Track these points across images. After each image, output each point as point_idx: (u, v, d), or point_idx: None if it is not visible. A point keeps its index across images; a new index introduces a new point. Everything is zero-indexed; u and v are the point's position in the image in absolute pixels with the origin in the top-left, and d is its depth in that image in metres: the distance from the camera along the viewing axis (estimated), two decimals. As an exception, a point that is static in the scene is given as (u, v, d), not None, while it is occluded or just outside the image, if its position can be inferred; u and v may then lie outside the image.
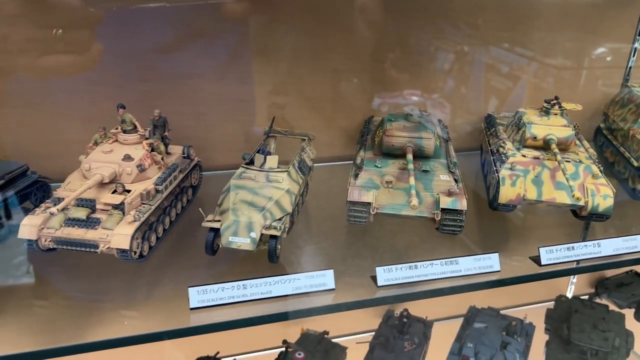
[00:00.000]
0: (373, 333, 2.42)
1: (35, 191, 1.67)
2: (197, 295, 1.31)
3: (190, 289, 1.31)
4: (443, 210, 1.56)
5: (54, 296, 1.45)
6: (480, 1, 2.16)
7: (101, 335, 1.29)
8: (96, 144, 1.64)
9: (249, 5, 1.87)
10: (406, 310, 2.38)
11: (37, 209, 1.45)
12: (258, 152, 1.77)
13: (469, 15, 2.17)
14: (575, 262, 1.57)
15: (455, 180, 1.63)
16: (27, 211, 1.62)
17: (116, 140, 1.62)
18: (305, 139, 1.93)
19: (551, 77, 2.42)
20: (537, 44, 2.32)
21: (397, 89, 2.24)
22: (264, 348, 2.39)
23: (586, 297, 2.74)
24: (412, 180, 1.51)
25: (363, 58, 2.10)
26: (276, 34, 1.95)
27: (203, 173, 1.91)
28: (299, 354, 2.08)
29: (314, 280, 1.39)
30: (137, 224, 1.41)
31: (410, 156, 1.64)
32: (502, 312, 2.50)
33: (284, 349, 2.16)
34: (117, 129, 1.64)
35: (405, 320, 2.33)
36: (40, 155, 1.78)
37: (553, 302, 2.63)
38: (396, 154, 1.74)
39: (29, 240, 1.41)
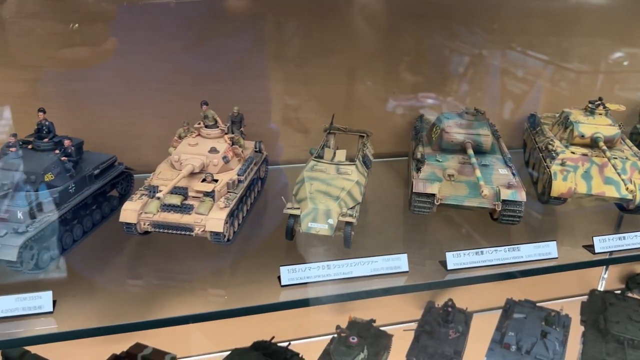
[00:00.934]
0: (413, 322, 2.55)
1: (122, 181, 1.81)
2: (288, 274, 1.44)
3: (282, 267, 1.44)
4: (503, 201, 1.68)
5: (147, 276, 1.59)
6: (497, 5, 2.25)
7: (193, 310, 1.42)
8: (180, 137, 1.78)
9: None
10: (451, 300, 2.50)
11: (133, 195, 1.59)
12: (323, 147, 1.91)
13: (485, 19, 2.26)
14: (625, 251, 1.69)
15: (513, 174, 1.76)
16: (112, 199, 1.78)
17: (199, 135, 1.75)
18: (364, 136, 2.06)
19: (569, 81, 2.52)
20: (554, 47, 2.40)
21: (413, 92, 2.34)
22: (316, 334, 2.52)
23: (618, 291, 2.85)
24: (478, 173, 1.64)
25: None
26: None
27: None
28: (353, 339, 2.19)
29: (390, 263, 1.52)
30: (228, 209, 1.54)
31: (471, 151, 1.77)
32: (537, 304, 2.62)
33: (335, 335, 2.29)
34: (199, 124, 1.77)
35: (449, 310, 2.46)
36: (120, 148, 1.91)
37: (586, 296, 2.74)
38: (455, 149, 1.86)
39: (128, 224, 1.54)
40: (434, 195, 1.71)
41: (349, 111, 2.26)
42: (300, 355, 2.25)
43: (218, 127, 1.76)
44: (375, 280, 1.51)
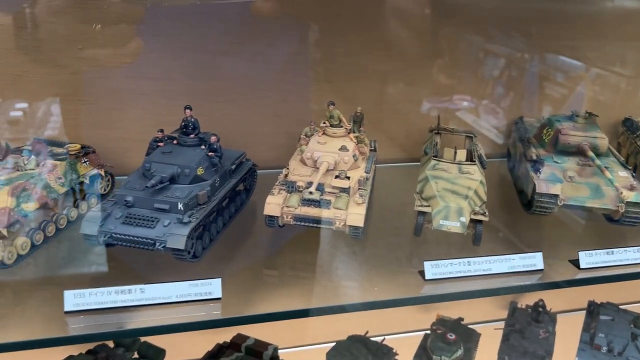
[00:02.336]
0: (494, 322, 2.58)
1: (248, 176, 1.89)
2: (432, 269, 1.50)
3: (425, 262, 1.50)
4: (627, 203, 1.71)
5: (280, 267, 1.66)
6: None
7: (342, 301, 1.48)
8: (307, 135, 1.85)
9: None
10: (542, 300, 2.53)
11: (273, 189, 1.67)
12: (435, 146, 1.96)
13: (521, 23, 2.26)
14: None
15: (632, 176, 1.79)
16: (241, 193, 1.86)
17: (324, 133, 1.82)
18: (471, 136, 2.11)
19: (610, 86, 2.49)
20: (590, 51, 2.39)
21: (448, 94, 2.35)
22: (406, 330, 2.57)
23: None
24: (608, 174, 1.68)
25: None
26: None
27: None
28: (451, 335, 2.24)
29: (525, 261, 1.56)
30: (365, 205, 1.61)
31: (591, 153, 1.81)
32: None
33: (428, 331, 2.33)
34: (324, 123, 1.84)
35: (540, 310, 2.49)
36: (233, 145, 1.99)
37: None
38: (570, 151, 1.90)
39: (271, 217, 1.62)
40: (556, 195, 1.75)
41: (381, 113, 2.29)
42: (394, 350, 2.30)
43: (343, 126, 1.83)
44: (511, 277, 1.56)
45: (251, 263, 1.65)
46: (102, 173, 1.79)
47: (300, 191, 1.65)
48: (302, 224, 1.63)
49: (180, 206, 1.49)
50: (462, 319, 2.54)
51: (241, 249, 1.70)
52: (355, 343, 2.26)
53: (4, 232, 1.40)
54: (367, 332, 2.36)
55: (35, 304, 1.36)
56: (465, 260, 1.53)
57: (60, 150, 1.70)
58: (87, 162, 1.73)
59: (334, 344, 2.27)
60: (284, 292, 1.52)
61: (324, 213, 1.60)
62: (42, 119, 1.90)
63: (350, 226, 1.59)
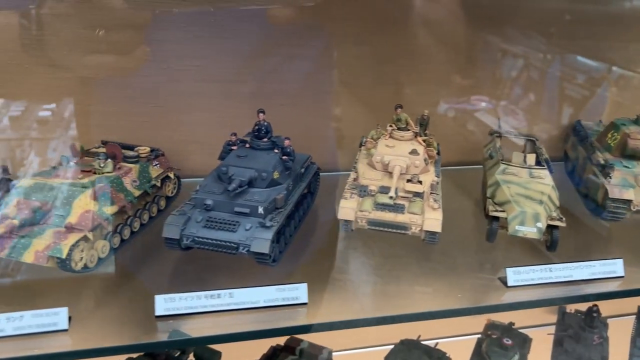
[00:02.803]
0: (540, 327, 2.56)
1: (313, 180, 1.88)
2: (513, 275, 1.48)
3: (508, 269, 1.49)
4: None
5: (355, 272, 1.65)
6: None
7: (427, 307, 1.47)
8: (373, 138, 1.84)
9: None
10: (596, 305, 2.50)
11: (345, 193, 1.66)
12: (498, 150, 1.94)
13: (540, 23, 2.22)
14: None
15: None
16: (307, 196, 1.84)
17: (391, 136, 1.81)
18: (533, 140, 2.09)
19: (632, 88, 2.45)
20: (614, 52, 2.35)
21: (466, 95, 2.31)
22: (456, 334, 2.55)
23: None
24: (686, 180, 1.65)
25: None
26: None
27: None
28: (507, 340, 2.22)
29: (606, 268, 1.54)
30: (440, 210, 1.59)
31: (665, 158, 1.78)
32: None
33: (481, 335, 2.31)
34: (391, 126, 1.83)
35: (594, 315, 2.46)
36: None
37: None
38: (638, 156, 1.87)
39: (346, 221, 1.61)
40: (630, 201, 1.73)
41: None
42: (447, 355, 2.28)
43: (410, 129, 1.81)
44: (592, 284, 1.54)
45: (319, 267, 1.64)
46: (172, 176, 1.78)
47: (373, 195, 1.64)
48: (377, 228, 1.61)
49: (260, 210, 1.48)
50: (513, 324, 2.52)
51: (310, 253, 1.69)
52: (412, 348, 2.25)
53: (90, 235, 1.40)
54: (419, 336, 2.35)
55: (122, 307, 1.36)
56: (547, 266, 1.51)
57: (131, 153, 1.70)
58: (158, 165, 1.73)
59: (385, 347, 2.25)
60: (360, 297, 1.51)
61: (399, 218, 1.59)
62: (109, 122, 1.91)
63: (427, 231, 1.57)
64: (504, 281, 1.51)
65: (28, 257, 1.33)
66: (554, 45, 2.27)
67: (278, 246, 1.53)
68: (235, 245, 1.43)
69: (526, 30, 2.21)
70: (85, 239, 1.38)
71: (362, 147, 1.98)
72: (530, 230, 1.61)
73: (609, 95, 2.43)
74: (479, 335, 2.32)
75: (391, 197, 1.55)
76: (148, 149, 1.75)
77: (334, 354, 2.24)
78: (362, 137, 2.05)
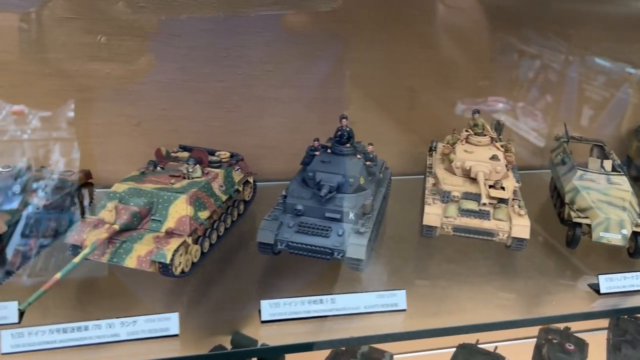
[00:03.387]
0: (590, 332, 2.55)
1: (388, 184, 1.88)
2: (606, 282, 1.48)
3: (600, 276, 1.48)
4: None
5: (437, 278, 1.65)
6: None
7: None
8: (448, 143, 1.84)
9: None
10: (656, 312, 2.49)
11: (427, 199, 1.66)
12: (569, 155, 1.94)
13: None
14: None
15: None
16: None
17: (467, 141, 1.81)
18: (601, 145, 2.08)
19: None
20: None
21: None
22: (514, 338, 2.54)
23: None
24: None
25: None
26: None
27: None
28: (570, 345, 2.21)
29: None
30: (527, 216, 1.59)
31: None
32: None
33: (538, 339, 2.30)
34: (467, 131, 1.83)
35: (649, 321, 2.45)
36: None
37: None
38: None
39: (430, 227, 1.61)
40: None
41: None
42: (506, 359, 2.28)
43: (486, 134, 1.81)
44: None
45: (399, 273, 1.64)
46: (251, 180, 1.80)
47: (456, 201, 1.64)
48: (462, 234, 1.61)
49: (351, 216, 1.49)
50: (569, 329, 2.51)
51: (389, 259, 1.70)
52: (472, 353, 2.25)
53: (189, 240, 1.41)
54: (477, 341, 2.34)
55: (226, 312, 1.37)
56: (637, 273, 1.51)
57: (214, 158, 1.71)
58: (239, 170, 1.74)
59: (443, 350, 2.25)
60: (451, 303, 1.51)
61: (486, 224, 1.59)
62: (183, 126, 1.92)
63: (514, 238, 1.57)
64: (595, 288, 1.50)
65: (130, 262, 1.34)
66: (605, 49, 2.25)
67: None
68: (330, 251, 1.43)
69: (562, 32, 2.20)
70: (184, 244, 1.39)
71: (433, 152, 1.99)
72: (615, 237, 1.60)
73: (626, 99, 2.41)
74: (535, 339, 2.31)
75: (484, 204, 1.55)
76: (228, 153, 1.76)
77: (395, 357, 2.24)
78: (431, 141, 2.05)
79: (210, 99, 1.91)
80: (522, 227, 1.56)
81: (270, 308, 1.30)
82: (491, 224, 1.59)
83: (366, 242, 1.42)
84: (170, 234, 1.40)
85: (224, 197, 1.61)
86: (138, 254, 1.35)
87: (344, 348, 2.17)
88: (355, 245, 1.42)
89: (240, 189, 1.73)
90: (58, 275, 1.21)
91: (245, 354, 1.32)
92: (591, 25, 2.18)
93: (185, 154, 1.74)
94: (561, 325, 2.56)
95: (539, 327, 2.47)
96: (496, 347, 2.35)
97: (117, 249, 1.36)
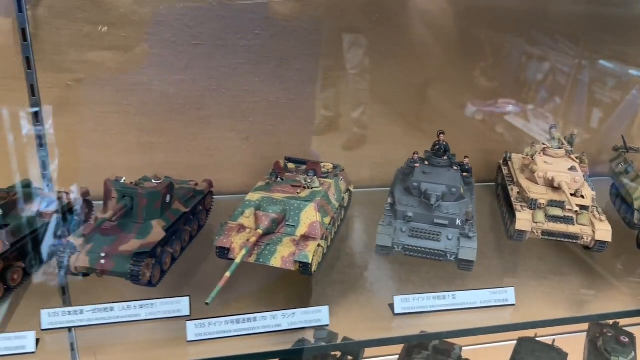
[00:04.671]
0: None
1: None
2: (683, 280, 1.68)
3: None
4: None
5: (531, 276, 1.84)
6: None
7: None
8: (528, 155, 2.04)
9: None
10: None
11: (516, 206, 1.86)
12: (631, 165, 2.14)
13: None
14: None
15: None
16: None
17: (544, 153, 2.00)
18: (654, 156, 2.28)
19: None
20: None
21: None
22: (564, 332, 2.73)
23: None
24: None
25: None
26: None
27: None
28: (624, 338, 2.40)
29: None
30: (607, 221, 1.79)
31: None
32: None
33: (589, 333, 2.49)
34: (543, 144, 2.03)
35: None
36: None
37: None
38: None
39: (521, 231, 1.81)
40: None
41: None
42: (565, 352, 2.47)
43: (563, 147, 2.01)
44: None
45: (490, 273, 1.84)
46: (351, 189, 1.99)
47: (542, 208, 1.84)
48: (550, 238, 1.81)
49: (458, 222, 1.68)
50: (618, 323, 2.71)
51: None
52: (533, 346, 2.44)
53: (322, 243, 1.61)
54: (536, 334, 2.53)
55: (360, 306, 1.57)
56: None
57: (323, 169, 1.90)
58: (342, 179, 1.94)
59: (501, 343, 2.44)
60: (550, 298, 1.71)
61: (571, 229, 1.79)
62: (286, 139, 2.12)
63: (597, 241, 1.77)
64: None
65: (275, 262, 1.54)
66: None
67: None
68: (443, 253, 1.63)
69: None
70: (319, 246, 1.59)
71: (509, 162, 2.19)
72: None
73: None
74: (585, 333, 2.50)
75: (570, 210, 1.75)
76: (331, 165, 1.96)
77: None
78: (505, 152, 2.25)
79: (309, 114, 2.10)
80: (604, 231, 1.76)
81: (402, 303, 1.50)
82: (576, 228, 1.79)
83: (476, 246, 1.62)
84: (305, 237, 1.60)
85: (337, 205, 1.81)
86: (282, 255, 1.55)
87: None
88: (467, 249, 1.62)
89: (346, 197, 1.92)
90: (228, 274, 1.40)
91: (327, 348, 1.53)
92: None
93: (292, 165, 1.96)
94: (610, 321, 2.76)
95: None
96: (554, 340, 2.54)
97: (262, 251, 1.56)
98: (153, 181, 1.65)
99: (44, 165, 1.91)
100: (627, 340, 2.41)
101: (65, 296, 1.54)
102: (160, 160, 2.01)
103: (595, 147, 2.49)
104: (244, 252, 1.49)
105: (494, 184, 2.37)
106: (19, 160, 1.91)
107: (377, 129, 2.21)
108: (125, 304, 1.40)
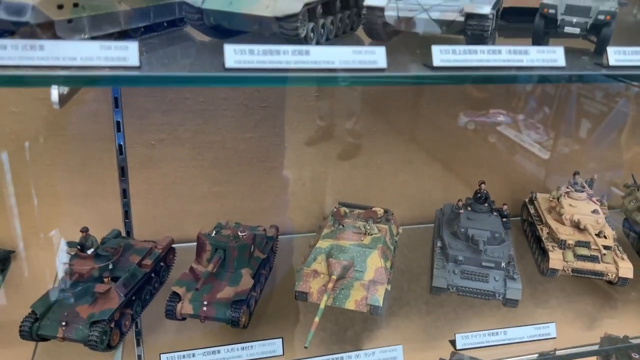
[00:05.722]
0: None
1: (502, 230, 2.34)
2: (696, 312, 1.95)
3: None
4: None
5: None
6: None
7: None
8: (554, 198, 2.30)
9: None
10: None
11: (547, 245, 2.11)
12: None
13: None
14: None
15: None
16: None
17: (569, 196, 2.27)
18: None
19: None
20: None
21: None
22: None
23: None
24: None
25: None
26: None
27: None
28: (635, 355, 2.67)
29: None
30: (628, 259, 2.06)
31: None
32: None
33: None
34: (567, 187, 2.29)
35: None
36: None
37: None
38: None
39: (554, 269, 2.07)
40: None
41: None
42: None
43: (585, 191, 2.28)
44: None
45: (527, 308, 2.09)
46: (400, 231, 2.24)
47: (570, 248, 2.10)
48: (578, 275, 2.07)
49: (503, 264, 1.94)
50: (627, 337, 2.97)
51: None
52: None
53: (388, 287, 1.85)
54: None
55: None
56: None
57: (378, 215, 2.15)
58: (393, 223, 2.18)
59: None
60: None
61: (597, 267, 2.05)
62: (340, 185, 2.36)
63: (621, 277, 2.03)
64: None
65: (350, 305, 1.77)
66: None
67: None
68: (492, 293, 1.88)
69: None
70: (386, 290, 1.83)
71: (535, 201, 2.45)
72: (697, 274, 2.07)
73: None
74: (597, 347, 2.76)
75: (602, 253, 2.01)
76: (382, 210, 2.20)
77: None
78: (530, 192, 2.51)
79: (358, 162, 2.35)
80: (627, 269, 2.03)
81: (462, 339, 1.75)
82: (601, 266, 2.05)
83: (520, 286, 1.88)
84: (373, 282, 1.84)
85: (393, 248, 2.05)
86: (355, 298, 1.78)
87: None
88: (513, 289, 1.87)
89: (397, 239, 2.17)
90: (316, 319, 1.64)
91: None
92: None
93: (345, 209, 2.20)
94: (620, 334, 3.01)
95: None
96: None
97: (337, 295, 1.79)
98: (239, 233, 1.88)
99: (127, 215, 2.13)
100: (637, 357, 2.67)
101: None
102: (229, 206, 2.24)
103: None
104: (325, 297, 1.73)
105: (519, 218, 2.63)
106: (105, 210, 2.13)
107: (419, 173, 2.47)
108: (229, 347, 1.63)
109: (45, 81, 1.03)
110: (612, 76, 1.34)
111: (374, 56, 1.22)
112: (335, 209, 2.19)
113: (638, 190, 2.58)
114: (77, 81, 1.06)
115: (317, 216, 2.29)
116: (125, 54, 1.08)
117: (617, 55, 1.42)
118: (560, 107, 2.56)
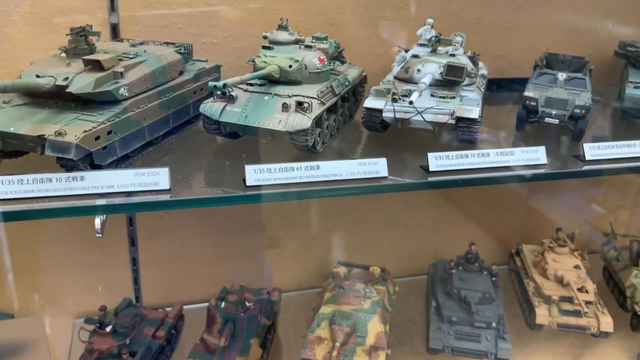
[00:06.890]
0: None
1: (491, 283, 2.49)
2: (671, 364, 2.11)
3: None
4: None
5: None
6: None
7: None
8: (539, 252, 2.46)
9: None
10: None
11: (533, 300, 2.26)
12: None
13: None
14: None
15: None
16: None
17: (552, 251, 2.42)
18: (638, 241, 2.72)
19: None
20: None
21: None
22: None
23: None
24: None
25: None
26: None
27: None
28: None
29: None
30: (608, 313, 2.21)
31: None
32: None
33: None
34: (551, 243, 2.45)
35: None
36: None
37: None
38: None
39: (540, 325, 2.21)
40: None
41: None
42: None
43: (567, 245, 2.44)
44: None
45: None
46: (397, 289, 2.37)
47: (555, 302, 2.25)
48: (563, 329, 2.22)
49: (494, 324, 2.08)
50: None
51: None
52: None
53: (389, 352, 1.97)
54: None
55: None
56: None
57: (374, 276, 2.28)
58: (390, 282, 2.31)
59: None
60: None
61: (580, 321, 2.20)
62: (337, 242, 2.49)
63: (602, 332, 2.19)
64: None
65: (354, 371, 1.90)
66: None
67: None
68: (484, 353, 2.02)
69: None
70: (386, 355, 1.95)
71: (521, 253, 2.60)
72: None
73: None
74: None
75: (585, 311, 2.16)
76: (379, 269, 2.33)
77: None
78: (517, 244, 2.67)
79: (360, 218, 2.48)
80: (607, 323, 2.18)
81: (458, 401, 1.88)
82: (584, 321, 2.20)
83: (510, 346, 2.02)
84: (374, 347, 1.96)
85: (391, 309, 2.18)
86: (359, 364, 1.91)
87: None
88: (503, 349, 2.02)
89: (394, 298, 2.30)
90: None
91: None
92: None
93: (344, 270, 2.32)
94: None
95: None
96: None
97: (341, 361, 1.91)
98: (247, 303, 1.99)
99: (136, 281, 2.23)
100: None
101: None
102: (232, 267, 2.35)
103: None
104: (330, 366, 1.85)
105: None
106: (114, 279, 2.23)
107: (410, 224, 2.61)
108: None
109: (89, 210, 1.15)
110: (589, 173, 1.50)
111: (377, 167, 1.36)
112: (334, 268, 2.32)
113: (616, 238, 2.75)
114: (117, 209, 1.17)
115: (316, 273, 2.41)
116: (157, 179, 1.20)
117: (592, 151, 1.58)
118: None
